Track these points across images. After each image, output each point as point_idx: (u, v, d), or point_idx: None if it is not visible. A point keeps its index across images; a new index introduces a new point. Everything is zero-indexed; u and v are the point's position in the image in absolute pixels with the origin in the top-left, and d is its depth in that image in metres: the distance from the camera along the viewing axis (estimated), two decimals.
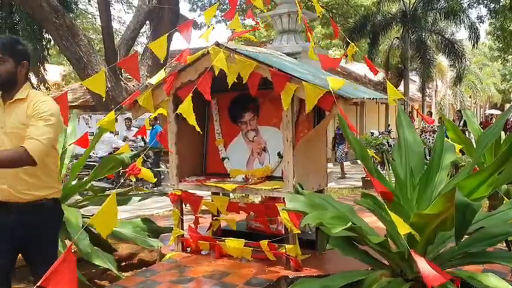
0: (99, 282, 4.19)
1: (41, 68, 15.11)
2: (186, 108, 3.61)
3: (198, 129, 3.59)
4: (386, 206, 2.68)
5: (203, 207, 4.83)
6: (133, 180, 3.14)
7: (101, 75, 4.21)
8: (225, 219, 4.95)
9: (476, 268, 3.55)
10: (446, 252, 3.12)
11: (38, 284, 2.34)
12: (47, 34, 13.64)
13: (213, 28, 4.21)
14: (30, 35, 13.89)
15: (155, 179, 3.96)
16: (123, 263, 4.61)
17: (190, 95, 3.77)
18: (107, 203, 2.81)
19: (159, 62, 7.32)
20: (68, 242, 4.11)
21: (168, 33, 5.79)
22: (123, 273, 4.17)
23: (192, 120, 3.58)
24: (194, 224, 4.84)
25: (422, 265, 2.17)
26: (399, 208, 2.85)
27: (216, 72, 4.02)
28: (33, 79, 15.47)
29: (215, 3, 17.49)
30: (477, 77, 34.77)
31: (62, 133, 4.88)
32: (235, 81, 4.10)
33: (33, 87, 12.24)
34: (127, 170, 3.22)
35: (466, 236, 2.90)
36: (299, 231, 4.02)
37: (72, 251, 4.41)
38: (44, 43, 14.56)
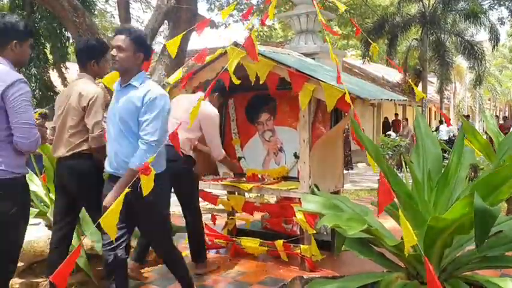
0: None
1: (63, 66, 15.29)
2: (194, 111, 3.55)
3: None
4: (400, 210, 2.66)
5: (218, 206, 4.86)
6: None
7: (116, 73, 4.27)
8: (240, 219, 4.96)
9: (493, 273, 3.52)
10: (464, 256, 3.09)
11: (49, 278, 2.37)
12: (66, 32, 13.80)
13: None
14: (51, 34, 14.08)
15: None
16: None
17: (202, 98, 3.78)
18: (116, 203, 2.75)
19: (176, 61, 7.36)
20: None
21: (185, 32, 5.84)
22: (140, 270, 4.21)
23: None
24: (211, 222, 4.87)
25: (430, 276, 2.15)
26: (416, 211, 2.83)
27: (231, 72, 4.01)
28: (55, 77, 15.64)
29: (233, 2, 17.52)
30: (497, 80, 34.23)
31: None
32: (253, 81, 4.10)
33: (53, 86, 12.21)
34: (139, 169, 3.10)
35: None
36: (314, 232, 4.02)
37: (89, 247, 4.49)
38: (64, 41, 14.74)
